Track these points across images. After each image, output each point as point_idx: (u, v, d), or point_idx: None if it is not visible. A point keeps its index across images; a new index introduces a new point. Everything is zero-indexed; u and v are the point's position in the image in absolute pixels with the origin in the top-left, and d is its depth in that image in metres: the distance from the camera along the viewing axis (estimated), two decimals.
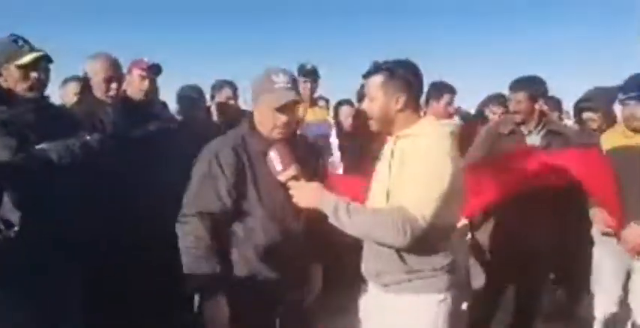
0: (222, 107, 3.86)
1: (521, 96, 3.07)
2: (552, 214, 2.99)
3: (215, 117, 3.82)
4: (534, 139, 3.10)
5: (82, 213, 2.26)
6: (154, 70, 3.11)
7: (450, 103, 3.48)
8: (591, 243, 3.08)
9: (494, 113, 4.39)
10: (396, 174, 1.80)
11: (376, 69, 1.87)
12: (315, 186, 1.86)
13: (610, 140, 2.95)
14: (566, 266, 3.72)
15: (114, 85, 2.81)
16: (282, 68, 2.03)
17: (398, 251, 1.80)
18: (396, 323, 1.85)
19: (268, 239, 2.01)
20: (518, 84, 3.12)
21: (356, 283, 2.17)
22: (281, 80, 1.97)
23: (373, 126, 1.93)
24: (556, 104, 4.43)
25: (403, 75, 1.83)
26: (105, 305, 2.53)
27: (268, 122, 2.00)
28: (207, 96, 3.95)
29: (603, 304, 3.03)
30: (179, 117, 3.68)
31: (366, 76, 1.91)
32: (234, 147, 2.01)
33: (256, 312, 2.02)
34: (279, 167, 1.87)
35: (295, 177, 1.87)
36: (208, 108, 3.91)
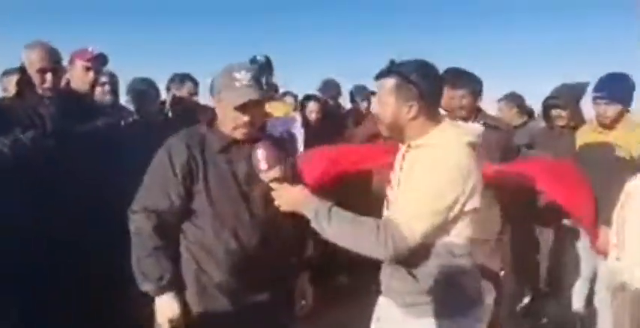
0: (179, 102, 3.65)
1: (464, 92, 3.07)
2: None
3: (170, 112, 3.59)
4: None
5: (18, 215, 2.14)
6: (99, 61, 2.88)
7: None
8: None
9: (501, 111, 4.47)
10: (403, 186, 1.69)
11: (388, 71, 1.69)
12: (297, 189, 1.76)
13: (583, 136, 3.10)
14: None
15: (49, 77, 2.54)
16: (244, 64, 1.93)
17: (412, 271, 1.68)
18: None
19: (219, 240, 1.88)
20: (460, 81, 3.11)
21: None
22: (243, 77, 1.85)
23: (383, 131, 1.79)
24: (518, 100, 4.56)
25: (417, 80, 1.64)
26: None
27: (229, 121, 1.89)
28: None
29: None
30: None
31: (378, 77, 1.74)
32: (188, 144, 1.90)
33: (207, 315, 1.89)
34: (263, 166, 1.76)
35: (279, 179, 1.76)
36: (163, 103, 3.67)
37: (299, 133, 3.41)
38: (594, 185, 2.78)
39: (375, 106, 1.84)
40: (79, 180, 2.42)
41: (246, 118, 1.85)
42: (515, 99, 4.57)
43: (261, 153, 1.76)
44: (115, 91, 3.36)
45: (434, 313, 1.67)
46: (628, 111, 2.98)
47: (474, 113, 3.13)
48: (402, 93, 1.65)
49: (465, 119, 3.04)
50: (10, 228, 2.22)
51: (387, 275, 1.83)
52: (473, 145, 1.67)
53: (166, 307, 1.83)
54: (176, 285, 1.85)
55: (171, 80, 3.92)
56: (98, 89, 3.04)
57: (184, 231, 1.92)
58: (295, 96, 4.65)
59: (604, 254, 2.77)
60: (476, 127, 1.80)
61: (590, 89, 3.15)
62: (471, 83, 3.14)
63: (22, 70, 2.62)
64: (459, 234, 1.64)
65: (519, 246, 3.32)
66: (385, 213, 1.80)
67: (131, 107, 3.44)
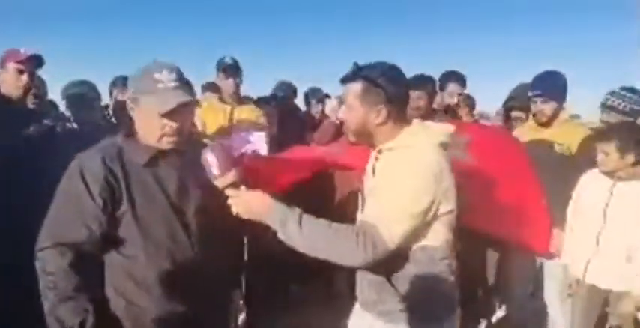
0: (123, 106, 3.40)
1: (421, 93, 3.19)
2: None
3: (113, 118, 3.38)
4: None
5: None
6: (33, 63, 2.66)
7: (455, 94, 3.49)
8: None
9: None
10: (378, 191, 1.63)
11: (354, 76, 1.64)
12: (257, 194, 1.61)
13: (522, 134, 3.15)
14: None
15: None
16: (164, 63, 1.68)
17: (389, 278, 1.64)
18: None
19: (152, 268, 1.66)
20: (417, 82, 3.20)
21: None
22: (165, 78, 1.62)
23: (351, 137, 1.74)
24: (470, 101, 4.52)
25: (384, 84, 1.60)
26: None
27: (154, 129, 1.65)
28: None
29: None
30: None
31: (344, 81, 1.68)
32: (104, 159, 1.64)
33: None
34: (215, 171, 1.58)
35: (234, 184, 1.59)
36: (105, 108, 3.46)
37: (264, 150, 3.29)
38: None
39: (342, 111, 1.75)
40: (7, 192, 2.24)
41: (174, 125, 1.64)
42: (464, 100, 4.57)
43: (211, 158, 1.58)
44: (39, 96, 3.11)
45: (411, 320, 1.64)
46: (563, 108, 3.08)
47: (430, 114, 3.19)
48: (370, 98, 1.62)
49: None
50: None
51: (361, 285, 1.79)
52: (444, 145, 1.66)
53: None
54: None
55: (113, 83, 3.68)
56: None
57: (107, 262, 1.69)
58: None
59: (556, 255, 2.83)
60: (446, 127, 1.78)
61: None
62: (427, 84, 3.26)
63: None
64: (437, 237, 1.62)
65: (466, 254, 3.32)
66: (359, 217, 1.76)
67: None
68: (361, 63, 1.67)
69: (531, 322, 3.25)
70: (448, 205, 1.60)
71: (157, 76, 1.62)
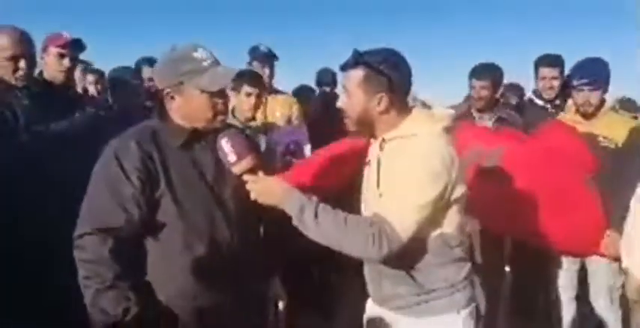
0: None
1: (485, 83, 3.17)
2: None
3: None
4: (486, 124, 3.20)
5: None
6: (75, 46, 2.62)
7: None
8: None
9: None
10: (386, 183, 1.60)
11: (355, 62, 1.59)
12: (276, 180, 1.61)
13: None
14: None
15: (22, 64, 2.29)
16: (190, 44, 1.65)
17: (408, 271, 1.61)
18: None
19: (193, 256, 1.62)
20: (483, 72, 3.21)
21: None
22: (205, 55, 1.61)
23: (350, 126, 1.68)
24: (517, 90, 4.41)
25: (387, 71, 1.56)
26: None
27: (205, 110, 1.62)
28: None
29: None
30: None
31: (344, 68, 1.63)
32: (139, 142, 1.60)
33: None
34: (232, 158, 1.54)
35: (252, 170, 1.55)
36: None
37: (307, 145, 3.22)
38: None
39: (341, 100, 1.69)
40: (54, 178, 2.18)
41: (224, 101, 1.66)
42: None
43: (226, 144, 1.55)
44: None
45: (431, 311, 1.63)
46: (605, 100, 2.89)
47: (492, 105, 3.21)
48: (372, 85, 1.57)
49: (481, 111, 3.24)
50: None
51: (375, 281, 1.74)
52: (448, 130, 1.61)
53: None
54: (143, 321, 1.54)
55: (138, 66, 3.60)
56: (90, 88, 2.80)
57: (148, 249, 1.64)
58: (312, 91, 4.47)
59: (613, 258, 2.63)
60: (447, 111, 1.73)
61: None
62: (492, 73, 3.23)
63: None
64: (450, 223, 1.60)
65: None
66: (363, 209, 1.76)
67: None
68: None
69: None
70: (460, 190, 1.57)
71: (196, 55, 1.59)
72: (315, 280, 3.99)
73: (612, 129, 2.78)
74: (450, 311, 1.62)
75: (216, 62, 1.62)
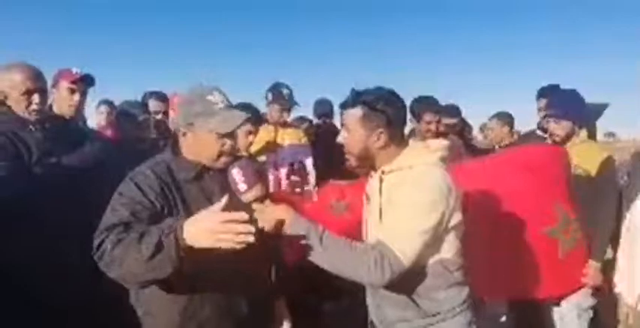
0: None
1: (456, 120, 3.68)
2: None
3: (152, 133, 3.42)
4: None
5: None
6: (85, 82, 2.71)
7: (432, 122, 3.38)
8: None
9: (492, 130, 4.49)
10: (387, 212, 1.68)
11: (354, 102, 1.70)
12: (283, 208, 1.66)
13: None
14: None
15: (36, 98, 2.35)
16: (209, 85, 1.73)
17: (410, 296, 1.68)
18: None
19: (203, 282, 1.65)
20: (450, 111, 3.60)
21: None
22: (219, 99, 1.69)
23: (352, 161, 1.78)
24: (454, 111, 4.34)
25: (384, 108, 1.67)
26: None
27: (212, 150, 1.70)
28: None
29: None
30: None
31: (344, 106, 1.75)
32: (155, 172, 1.68)
33: None
34: (242, 187, 1.62)
35: (260, 199, 1.63)
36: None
37: (310, 164, 3.29)
38: None
39: (342, 136, 1.79)
40: (68, 209, 2.20)
41: (232, 143, 1.72)
42: (506, 118, 4.52)
43: (237, 174, 1.62)
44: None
45: None
46: (581, 127, 2.96)
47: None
48: (371, 122, 1.68)
49: None
50: None
51: (379, 308, 1.80)
52: (444, 159, 1.71)
53: (199, 229, 1.40)
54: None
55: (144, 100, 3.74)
56: (100, 118, 2.88)
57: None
58: (310, 121, 4.49)
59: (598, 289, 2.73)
60: (442, 142, 1.83)
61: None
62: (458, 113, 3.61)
63: None
64: (449, 249, 1.68)
65: None
66: (367, 239, 1.83)
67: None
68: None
69: None
70: (457, 216, 1.66)
71: (210, 98, 1.67)
72: (312, 308, 4.01)
73: (584, 158, 2.83)
74: None
75: (229, 106, 1.71)
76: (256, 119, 2.94)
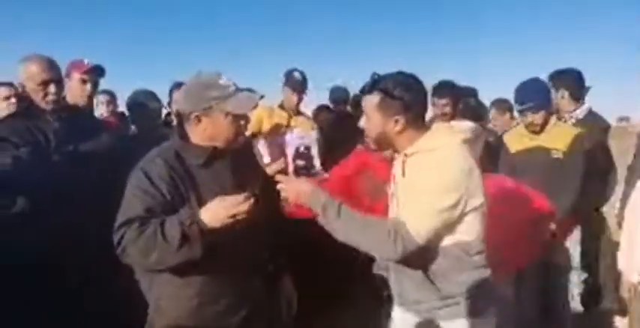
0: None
1: (446, 100, 3.41)
2: None
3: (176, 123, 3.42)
4: None
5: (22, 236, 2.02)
6: (96, 73, 2.79)
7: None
8: None
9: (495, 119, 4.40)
10: (406, 193, 1.71)
11: (372, 88, 1.71)
12: (305, 180, 1.74)
13: (515, 141, 3.21)
14: None
15: (52, 89, 2.43)
16: (212, 72, 1.77)
17: (429, 276, 1.70)
18: None
19: (214, 267, 1.69)
20: (440, 90, 3.42)
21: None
22: (228, 83, 1.74)
23: (372, 144, 1.82)
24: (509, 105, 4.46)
25: (401, 94, 1.67)
26: None
27: (229, 131, 1.74)
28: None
29: None
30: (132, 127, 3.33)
31: (362, 92, 1.77)
32: (165, 159, 1.70)
33: None
34: (266, 159, 1.73)
35: (283, 171, 1.73)
36: (168, 115, 3.59)
37: (315, 148, 3.35)
38: (538, 187, 2.76)
39: (362, 121, 1.83)
40: (85, 196, 2.29)
41: (243, 123, 1.77)
42: (504, 105, 4.48)
43: (262, 148, 1.71)
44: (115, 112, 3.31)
45: (451, 316, 1.70)
46: (551, 113, 3.14)
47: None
48: (388, 109, 1.68)
49: None
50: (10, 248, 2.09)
51: (400, 285, 1.83)
52: (467, 141, 1.71)
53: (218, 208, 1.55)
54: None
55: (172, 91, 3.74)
56: (102, 108, 2.95)
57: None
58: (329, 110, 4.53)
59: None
60: (466, 124, 1.87)
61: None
62: (449, 90, 3.46)
63: (15, 88, 2.52)
64: (469, 231, 1.66)
65: None
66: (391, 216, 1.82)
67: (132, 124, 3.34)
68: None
69: None
70: (478, 199, 1.64)
71: (221, 82, 1.72)
72: (327, 288, 4.08)
73: (559, 140, 3.01)
74: (472, 315, 1.69)
75: (238, 88, 1.75)
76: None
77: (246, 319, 1.76)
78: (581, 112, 3.45)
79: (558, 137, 3.05)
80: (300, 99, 3.60)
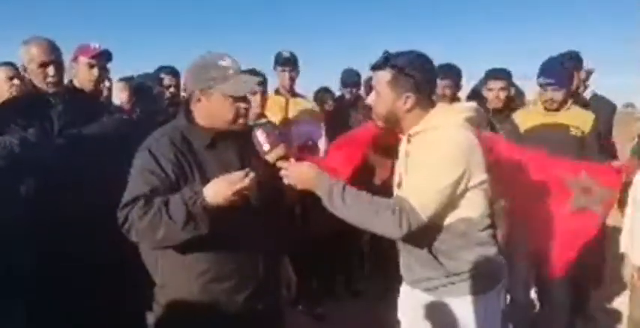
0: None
1: (447, 82, 3.51)
2: None
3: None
4: None
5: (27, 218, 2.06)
6: (103, 57, 2.78)
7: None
8: None
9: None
10: (409, 171, 1.72)
11: (384, 64, 1.71)
12: (307, 165, 1.74)
13: (531, 118, 3.18)
14: None
15: (51, 70, 2.46)
16: (217, 52, 1.77)
17: (434, 254, 1.71)
18: (444, 326, 1.75)
19: (221, 246, 1.71)
20: (443, 71, 3.42)
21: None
22: (231, 64, 1.72)
23: (379, 122, 1.82)
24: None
25: (413, 72, 1.67)
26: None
27: (228, 113, 1.73)
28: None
29: None
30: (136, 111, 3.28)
31: (373, 69, 1.76)
32: (172, 140, 1.71)
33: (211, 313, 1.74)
34: (266, 147, 1.71)
35: (284, 157, 1.72)
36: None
37: (323, 143, 3.38)
38: None
39: (371, 98, 1.82)
40: (90, 179, 2.32)
41: (246, 106, 1.76)
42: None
43: (261, 135, 1.71)
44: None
45: (457, 293, 1.71)
46: (570, 95, 3.16)
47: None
48: (399, 86, 1.68)
49: None
50: (15, 229, 2.17)
51: (407, 263, 1.85)
52: (471, 120, 1.72)
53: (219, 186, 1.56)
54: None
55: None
56: (121, 96, 2.97)
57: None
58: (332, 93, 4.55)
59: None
60: (469, 104, 1.85)
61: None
62: (452, 73, 3.52)
63: (17, 70, 2.55)
64: (475, 208, 1.69)
65: None
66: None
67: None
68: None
69: None
70: (480, 176, 1.66)
71: (222, 63, 1.71)
72: (341, 287, 4.15)
73: (577, 120, 3.06)
74: (477, 292, 1.71)
75: (240, 70, 1.74)
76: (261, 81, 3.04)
77: (250, 299, 1.78)
78: (587, 95, 3.47)
79: (576, 117, 3.08)
80: (292, 78, 3.62)
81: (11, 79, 2.97)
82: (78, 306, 2.32)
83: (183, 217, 1.54)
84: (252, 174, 1.56)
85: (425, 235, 1.68)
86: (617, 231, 2.87)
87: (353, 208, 1.64)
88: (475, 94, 3.90)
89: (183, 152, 1.69)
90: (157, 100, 3.27)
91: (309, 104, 3.71)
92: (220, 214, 1.58)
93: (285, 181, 1.71)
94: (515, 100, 3.60)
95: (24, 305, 2.36)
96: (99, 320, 2.36)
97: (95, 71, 2.73)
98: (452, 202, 1.65)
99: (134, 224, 1.60)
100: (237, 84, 1.71)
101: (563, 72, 3.09)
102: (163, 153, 1.66)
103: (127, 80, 3.81)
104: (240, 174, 1.57)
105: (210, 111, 1.74)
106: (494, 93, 3.46)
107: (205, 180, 1.65)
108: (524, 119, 3.20)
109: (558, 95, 3.03)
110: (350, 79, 4.39)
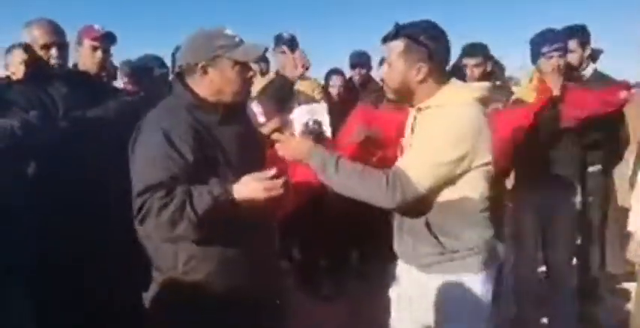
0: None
1: (477, 60, 3.32)
2: None
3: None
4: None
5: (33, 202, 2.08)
6: (107, 39, 2.77)
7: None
8: None
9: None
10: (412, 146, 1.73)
11: (396, 34, 1.68)
12: (301, 138, 1.78)
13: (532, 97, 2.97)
14: None
15: (54, 52, 2.47)
16: (217, 26, 1.75)
17: (432, 231, 1.70)
18: (437, 302, 1.75)
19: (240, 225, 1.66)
20: (471, 50, 3.35)
21: None
22: (233, 34, 1.72)
23: (390, 95, 1.80)
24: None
25: (426, 41, 1.64)
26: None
27: (234, 82, 1.71)
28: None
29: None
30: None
31: (385, 40, 1.73)
32: (185, 119, 1.65)
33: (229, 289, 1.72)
34: (261, 119, 1.72)
35: (279, 130, 1.73)
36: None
37: (326, 121, 3.36)
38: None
39: (382, 70, 1.78)
40: (93, 163, 2.33)
41: (251, 73, 1.76)
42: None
43: (256, 108, 1.72)
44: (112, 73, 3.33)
45: (452, 271, 1.71)
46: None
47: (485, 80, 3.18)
48: (412, 55, 1.66)
49: None
50: (16, 217, 2.18)
51: (404, 241, 1.84)
52: (482, 100, 1.69)
53: (248, 185, 1.55)
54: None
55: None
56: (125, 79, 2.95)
57: None
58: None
59: None
60: (483, 84, 1.82)
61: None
62: (483, 53, 3.35)
63: (27, 48, 2.54)
64: (474, 189, 1.67)
65: None
66: None
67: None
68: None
69: None
70: (484, 157, 1.64)
71: (229, 32, 1.71)
72: (353, 266, 4.15)
73: None
74: (471, 271, 1.71)
75: (243, 40, 1.73)
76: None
77: (262, 284, 1.79)
78: (587, 72, 3.28)
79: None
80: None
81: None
82: (80, 293, 2.34)
83: (210, 215, 1.51)
84: (284, 179, 1.56)
85: (422, 210, 1.68)
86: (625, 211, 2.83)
87: (346, 177, 1.64)
88: (456, 69, 3.81)
89: (199, 130, 1.64)
90: (158, 81, 3.24)
91: (314, 84, 3.68)
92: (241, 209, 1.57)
93: (280, 153, 1.73)
94: (495, 74, 3.48)
95: (26, 292, 2.38)
96: (100, 307, 2.39)
97: (99, 53, 2.71)
98: (452, 180, 1.63)
99: (151, 216, 1.52)
100: (248, 48, 1.71)
101: (564, 39, 2.96)
102: (179, 134, 1.59)
103: (126, 63, 3.79)
104: (277, 182, 1.55)
105: (219, 82, 1.70)
106: (469, 71, 3.35)
107: (227, 157, 1.67)
108: (528, 97, 2.99)
109: (563, 62, 2.87)
110: (356, 58, 4.31)
